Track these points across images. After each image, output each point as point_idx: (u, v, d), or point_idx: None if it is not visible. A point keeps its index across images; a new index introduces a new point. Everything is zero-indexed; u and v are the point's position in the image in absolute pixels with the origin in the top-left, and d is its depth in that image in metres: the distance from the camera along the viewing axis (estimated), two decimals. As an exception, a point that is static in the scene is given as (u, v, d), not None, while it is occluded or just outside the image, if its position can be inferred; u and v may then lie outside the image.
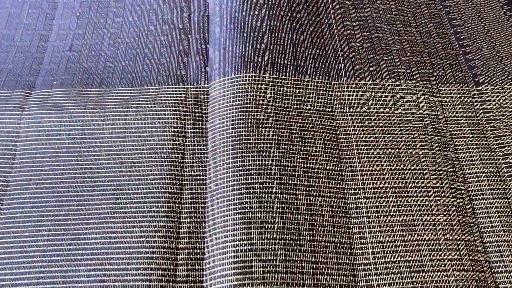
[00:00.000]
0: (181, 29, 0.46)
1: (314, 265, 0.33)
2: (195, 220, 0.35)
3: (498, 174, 0.38)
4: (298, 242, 0.33)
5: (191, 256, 0.34)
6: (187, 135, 0.39)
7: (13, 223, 0.35)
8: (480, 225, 0.36)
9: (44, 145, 0.38)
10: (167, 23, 0.47)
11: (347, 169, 0.38)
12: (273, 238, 0.33)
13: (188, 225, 0.35)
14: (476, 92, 0.43)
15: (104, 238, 0.34)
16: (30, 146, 0.38)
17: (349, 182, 0.37)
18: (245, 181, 0.35)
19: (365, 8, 0.48)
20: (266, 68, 0.42)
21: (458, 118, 0.42)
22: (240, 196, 0.35)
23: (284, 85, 0.41)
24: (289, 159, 0.37)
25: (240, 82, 0.40)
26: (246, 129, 0.38)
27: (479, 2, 0.50)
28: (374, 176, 0.37)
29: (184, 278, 0.33)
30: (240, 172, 0.36)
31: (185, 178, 0.37)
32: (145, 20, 0.47)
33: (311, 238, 0.34)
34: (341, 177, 0.37)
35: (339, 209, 0.36)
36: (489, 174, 0.39)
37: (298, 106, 0.40)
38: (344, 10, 0.48)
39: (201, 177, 0.37)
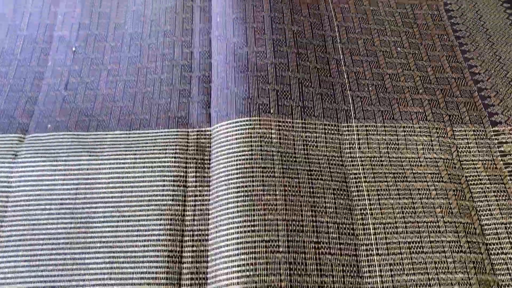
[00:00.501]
0: (182, 65, 0.44)
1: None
2: (196, 282, 0.33)
3: (518, 225, 0.36)
4: (307, 309, 0.31)
5: (193, 323, 0.32)
6: (188, 184, 0.37)
7: (4, 284, 0.33)
8: (500, 283, 0.34)
9: (37, 197, 0.36)
10: (167, 59, 0.44)
11: (358, 221, 0.36)
12: (280, 305, 0.31)
13: (189, 287, 0.33)
14: (492, 133, 0.41)
15: (100, 301, 0.32)
16: (22, 198, 0.36)
17: (361, 237, 0.35)
18: (250, 239, 0.33)
19: (374, 42, 0.46)
20: (272, 111, 0.39)
21: (474, 162, 0.40)
22: (245, 256, 0.32)
23: (290, 129, 0.39)
24: (297, 212, 0.35)
25: (244, 127, 0.38)
26: (251, 179, 0.36)
27: (493, 33, 0.48)
28: (387, 230, 0.35)
29: None
30: (245, 229, 0.34)
31: (186, 233, 0.35)
32: (144, 55, 0.45)
33: (321, 302, 0.32)
34: (352, 231, 0.35)
35: (351, 268, 0.34)
36: (508, 225, 0.36)
37: (306, 152, 0.38)
38: (353, 44, 0.46)
39: (203, 232, 0.35)
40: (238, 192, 0.35)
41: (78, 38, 0.46)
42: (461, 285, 0.33)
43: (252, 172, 0.36)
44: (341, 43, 0.45)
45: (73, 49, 0.45)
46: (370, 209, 0.36)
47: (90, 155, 0.38)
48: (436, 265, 0.34)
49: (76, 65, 0.44)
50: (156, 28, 0.46)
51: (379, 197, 0.37)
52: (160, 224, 0.35)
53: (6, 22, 0.47)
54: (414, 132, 0.40)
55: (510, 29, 0.48)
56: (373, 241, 0.35)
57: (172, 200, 0.36)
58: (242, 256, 0.32)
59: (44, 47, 0.46)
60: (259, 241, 0.33)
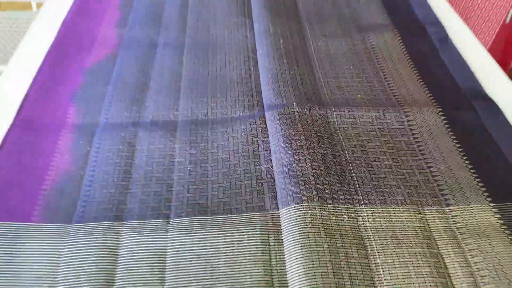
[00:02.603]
0: (256, 176, 0.73)
1: None
2: None
3: None
4: None
5: None
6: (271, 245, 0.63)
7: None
8: None
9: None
10: (247, 173, 0.73)
11: None
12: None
13: None
14: None
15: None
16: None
17: None
18: None
19: None
20: (314, 199, 0.67)
21: None
22: None
23: (327, 211, 0.66)
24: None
25: (297, 211, 0.65)
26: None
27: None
28: None
29: None
30: None
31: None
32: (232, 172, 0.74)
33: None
34: None
35: None
36: None
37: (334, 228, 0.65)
38: None
39: None
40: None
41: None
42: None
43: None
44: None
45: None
46: None
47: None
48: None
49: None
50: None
51: None
52: None
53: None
54: None
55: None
56: None
57: (262, 251, 0.61)
58: None
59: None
60: None
